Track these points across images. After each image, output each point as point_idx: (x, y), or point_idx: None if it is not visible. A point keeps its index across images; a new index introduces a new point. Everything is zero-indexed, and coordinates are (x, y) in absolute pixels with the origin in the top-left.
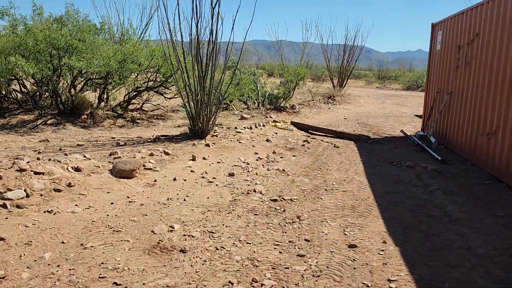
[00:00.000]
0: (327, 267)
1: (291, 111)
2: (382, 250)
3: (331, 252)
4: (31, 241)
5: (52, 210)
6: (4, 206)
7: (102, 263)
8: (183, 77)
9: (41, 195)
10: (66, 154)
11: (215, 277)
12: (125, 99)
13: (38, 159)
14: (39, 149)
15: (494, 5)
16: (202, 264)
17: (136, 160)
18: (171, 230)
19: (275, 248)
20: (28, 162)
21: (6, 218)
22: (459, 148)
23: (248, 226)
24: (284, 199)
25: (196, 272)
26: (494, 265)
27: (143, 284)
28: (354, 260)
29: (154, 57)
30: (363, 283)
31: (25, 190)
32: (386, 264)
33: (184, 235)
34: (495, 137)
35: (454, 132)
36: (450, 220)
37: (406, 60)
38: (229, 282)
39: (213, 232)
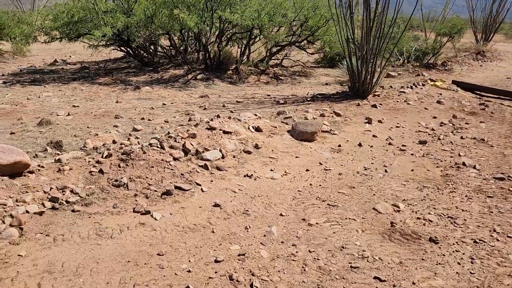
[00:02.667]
0: None
1: (442, 68)
2: None
3: None
4: (247, 210)
5: (251, 174)
6: (206, 167)
7: (342, 247)
8: (348, 28)
9: (234, 157)
10: (231, 111)
11: (502, 284)
12: (267, 54)
13: (218, 116)
14: (204, 105)
15: None
16: (471, 263)
17: (317, 122)
18: (398, 210)
19: None
20: (211, 120)
21: (211, 181)
22: None
23: (491, 212)
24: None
25: (471, 273)
26: None
27: (413, 283)
28: None
29: (302, 8)
30: None
31: (220, 151)
32: None
33: (418, 218)
34: None
35: None
36: None
37: None
38: None
39: (452, 218)
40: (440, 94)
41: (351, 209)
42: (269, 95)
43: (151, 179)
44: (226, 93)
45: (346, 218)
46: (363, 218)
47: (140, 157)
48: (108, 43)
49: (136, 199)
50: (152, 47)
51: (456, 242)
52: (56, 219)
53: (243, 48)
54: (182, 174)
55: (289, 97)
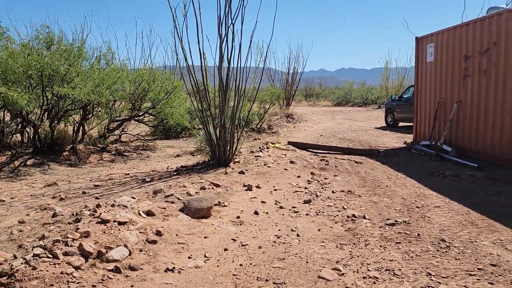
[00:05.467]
0: None
1: (270, 131)
2: None
3: None
4: None
5: (173, 268)
6: (117, 270)
7: None
8: (205, 99)
9: (140, 251)
10: (98, 198)
11: None
12: (105, 130)
13: (99, 206)
14: (59, 195)
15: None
16: None
17: (210, 196)
18: (342, 274)
19: (478, 280)
20: (94, 211)
21: (132, 286)
22: (486, 155)
23: (412, 257)
24: (399, 222)
25: None
26: None
27: None
28: None
29: (142, 81)
30: None
31: (125, 246)
32: None
33: (364, 277)
34: None
35: (473, 139)
36: None
37: (313, 79)
38: None
39: (389, 270)
40: (285, 154)
41: (299, 283)
42: (128, 174)
43: None
44: (75, 177)
45: None
46: None
47: (31, 276)
48: None
49: None
50: None
51: None
52: None
53: (77, 126)
54: (93, 286)
55: (151, 173)
